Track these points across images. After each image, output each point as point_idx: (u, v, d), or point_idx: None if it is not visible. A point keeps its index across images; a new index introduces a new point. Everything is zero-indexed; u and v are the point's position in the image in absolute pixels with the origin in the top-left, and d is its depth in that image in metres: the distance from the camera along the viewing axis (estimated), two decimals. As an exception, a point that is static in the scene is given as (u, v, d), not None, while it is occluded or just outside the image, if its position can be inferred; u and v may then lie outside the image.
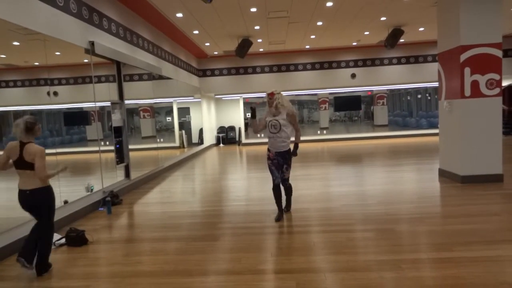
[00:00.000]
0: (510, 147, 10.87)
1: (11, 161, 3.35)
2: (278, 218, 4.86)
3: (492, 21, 6.14)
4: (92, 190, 5.81)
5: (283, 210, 5.06)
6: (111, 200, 5.87)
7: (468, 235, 3.94)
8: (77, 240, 4.23)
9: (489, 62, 6.18)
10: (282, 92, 4.86)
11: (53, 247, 4.13)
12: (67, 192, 5.25)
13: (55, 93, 5.40)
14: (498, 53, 6.19)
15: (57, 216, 4.81)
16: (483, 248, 3.56)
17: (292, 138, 4.87)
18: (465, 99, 6.25)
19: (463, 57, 6.21)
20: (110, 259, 3.90)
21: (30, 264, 3.38)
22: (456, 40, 6.29)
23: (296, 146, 4.91)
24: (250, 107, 4.98)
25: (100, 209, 5.85)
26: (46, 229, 3.47)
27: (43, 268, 3.48)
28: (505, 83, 13.12)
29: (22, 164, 3.28)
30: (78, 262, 3.82)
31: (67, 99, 5.87)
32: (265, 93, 4.84)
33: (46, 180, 3.37)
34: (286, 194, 5.18)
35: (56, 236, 4.30)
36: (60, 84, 5.69)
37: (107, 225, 5.11)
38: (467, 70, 6.22)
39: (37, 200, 3.34)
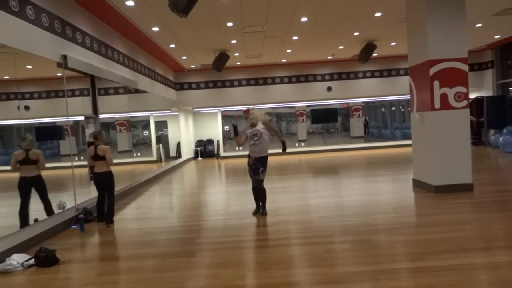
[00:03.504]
0: (479, 157, 11.31)
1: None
2: (255, 213, 5.76)
3: (458, 37, 6.44)
4: (64, 207, 5.61)
5: (260, 211, 5.77)
6: (85, 217, 5.68)
7: (442, 244, 4.03)
8: (47, 260, 4.05)
9: (456, 76, 6.45)
10: (255, 108, 6.00)
11: (21, 268, 3.97)
12: (38, 210, 5.04)
13: (26, 107, 5.24)
14: (464, 67, 6.48)
15: (26, 236, 4.65)
16: (455, 257, 3.65)
17: (270, 151, 5.73)
18: (435, 111, 6.48)
19: (432, 71, 6.47)
20: (83, 279, 3.75)
21: (108, 224, 5.71)
22: (425, 55, 6.55)
23: (283, 144, 5.72)
24: (232, 125, 5.79)
25: (72, 226, 5.65)
26: (111, 197, 5.83)
27: (111, 221, 5.74)
28: (472, 96, 13.71)
29: (97, 157, 5.64)
30: (48, 284, 3.66)
31: (39, 114, 5.71)
32: (243, 107, 5.85)
33: (113, 165, 5.79)
34: (260, 199, 5.77)
35: (24, 257, 4.13)
36: (31, 98, 5.53)
37: (79, 244, 4.93)
38: (436, 84, 6.47)
39: (105, 178, 5.75)
